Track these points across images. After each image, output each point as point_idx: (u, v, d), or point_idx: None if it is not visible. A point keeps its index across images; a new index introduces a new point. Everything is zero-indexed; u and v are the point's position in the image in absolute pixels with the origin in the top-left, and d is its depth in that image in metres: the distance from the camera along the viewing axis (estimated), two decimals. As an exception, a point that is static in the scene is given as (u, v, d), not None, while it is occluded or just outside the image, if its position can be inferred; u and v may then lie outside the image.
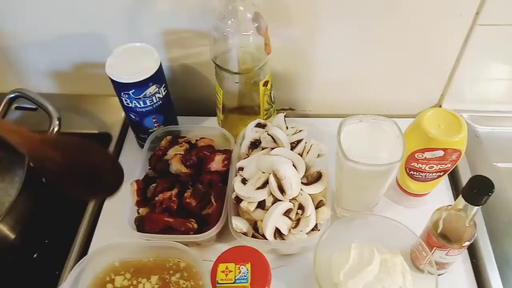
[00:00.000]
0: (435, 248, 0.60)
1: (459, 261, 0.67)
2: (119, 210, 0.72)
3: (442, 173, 0.67)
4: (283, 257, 0.69)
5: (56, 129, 0.73)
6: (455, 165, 0.65)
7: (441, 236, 0.59)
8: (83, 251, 0.71)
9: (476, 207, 0.53)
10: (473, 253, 0.69)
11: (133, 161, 0.78)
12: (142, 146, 0.80)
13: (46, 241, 0.74)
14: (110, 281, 0.64)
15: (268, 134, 0.68)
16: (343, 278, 0.62)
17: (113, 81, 0.69)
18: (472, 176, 0.52)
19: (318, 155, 0.69)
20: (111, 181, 0.59)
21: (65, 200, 0.75)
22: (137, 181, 0.71)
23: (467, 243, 0.58)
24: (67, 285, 0.59)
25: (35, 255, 0.74)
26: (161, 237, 0.65)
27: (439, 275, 0.62)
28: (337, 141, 0.61)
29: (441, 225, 0.59)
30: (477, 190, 0.51)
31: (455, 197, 0.76)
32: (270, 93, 0.77)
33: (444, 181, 0.77)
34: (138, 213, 0.69)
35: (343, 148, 0.59)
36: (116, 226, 0.71)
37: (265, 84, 0.73)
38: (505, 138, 0.85)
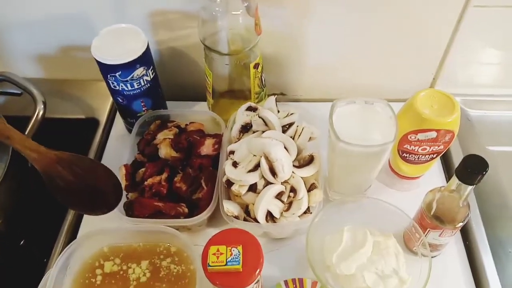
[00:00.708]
0: (428, 229, 0.60)
1: (452, 243, 0.67)
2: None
3: (434, 155, 0.66)
4: (275, 241, 0.68)
5: (41, 113, 0.71)
6: (447, 147, 0.65)
7: (434, 217, 0.58)
8: (71, 238, 0.69)
9: (470, 187, 0.53)
10: (466, 235, 0.68)
11: (121, 146, 0.76)
12: (130, 131, 0.78)
13: (33, 228, 0.72)
14: (99, 267, 0.62)
15: (259, 117, 0.67)
16: (335, 260, 0.61)
17: (99, 63, 0.67)
18: (466, 155, 0.52)
19: (310, 138, 0.68)
20: (111, 201, 0.63)
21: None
22: (125, 166, 0.69)
23: (461, 224, 0.58)
24: (55, 271, 0.58)
25: (21, 242, 0.72)
26: (151, 221, 0.63)
27: (432, 257, 0.61)
28: (329, 122, 0.60)
29: (434, 206, 0.58)
30: (471, 169, 0.50)
31: (448, 180, 0.75)
32: (261, 76, 0.75)
33: (437, 164, 0.76)
34: (127, 198, 0.68)
35: (335, 129, 0.58)
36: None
37: (256, 66, 0.72)
38: (497, 121, 0.85)
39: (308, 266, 0.65)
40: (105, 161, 0.78)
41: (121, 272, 0.62)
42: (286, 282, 0.62)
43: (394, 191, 0.74)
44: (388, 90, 0.85)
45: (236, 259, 0.51)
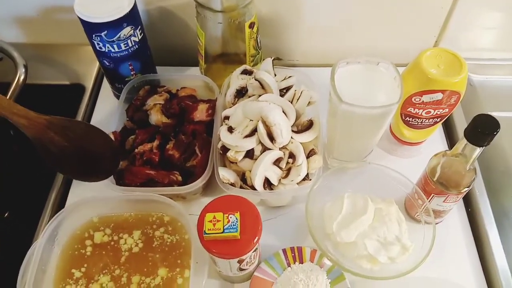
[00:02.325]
0: (432, 195, 0.57)
1: (454, 210, 0.65)
2: (96, 164, 0.68)
3: (438, 119, 0.63)
4: (272, 209, 0.66)
5: (22, 77, 0.67)
6: (452, 111, 0.62)
7: (439, 182, 0.56)
8: (58, 208, 0.65)
9: (479, 149, 0.50)
10: (468, 202, 0.67)
11: (109, 113, 0.73)
12: (118, 98, 0.74)
13: (18, 199, 0.69)
14: (88, 237, 0.60)
15: (256, 79, 0.63)
16: (336, 228, 0.59)
17: (83, 22, 0.63)
18: (476, 115, 0.49)
19: (309, 102, 0.65)
20: (108, 166, 0.60)
21: (37, 154, 0.70)
22: (114, 133, 0.66)
23: (466, 189, 0.56)
24: (42, 241, 0.55)
25: (6, 214, 0.68)
26: (143, 190, 0.60)
27: (428, 223, 0.59)
28: (330, 83, 0.56)
29: (439, 171, 0.56)
30: (481, 129, 0.48)
31: (450, 146, 0.73)
32: (257, 37, 0.71)
33: (438, 130, 0.74)
34: (117, 166, 0.64)
35: (337, 90, 0.55)
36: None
37: (251, 25, 0.67)
38: (500, 86, 0.82)
39: (306, 235, 0.63)
40: (93, 129, 0.74)
41: (112, 243, 0.59)
42: (284, 251, 0.60)
43: (394, 157, 0.72)
44: (388, 54, 0.80)
45: (234, 226, 0.48)
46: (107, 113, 0.74)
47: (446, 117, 0.63)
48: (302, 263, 0.59)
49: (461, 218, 0.65)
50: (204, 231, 0.48)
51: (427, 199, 0.58)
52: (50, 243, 0.57)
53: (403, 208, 0.63)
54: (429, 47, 0.82)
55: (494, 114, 0.78)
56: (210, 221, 0.49)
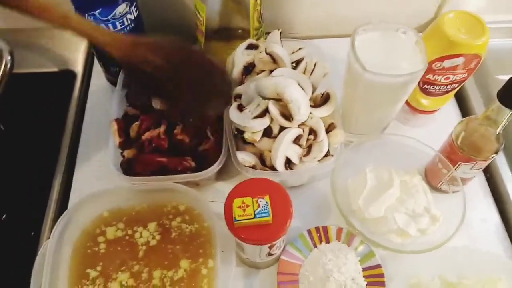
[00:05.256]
0: (459, 163, 0.56)
1: (474, 177, 0.64)
2: (97, 155, 0.64)
3: (456, 85, 0.61)
4: (289, 190, 0.62)
5: (8, 65, 0.61)
6: (471, 75, 0.60)
7: (466, 149, 0.54)
8: (61, 207, 0.61)
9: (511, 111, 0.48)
10: (487, 167, 0.65)
11: (105, 100, 0.68)
12: (112, 82, 0.69)
13: (15, 200, 0.63)
14: (100, 234, 0.55)
15: (267, 53, 0.59)
16: (362, 204, 0.57)
17: (73, 1, 0.57)
18: (511, 76, 0.47)
19: (324, 74, 0.61)
20: (222, 87, 0.51)
21: (32, 149, 0.65)
22: (117, 120, 0.61)
23: (493, 156, 0.54)
24: (53, 242, 0.50)
25: (3, 217, 0.63)
26: (156, 179, 0.56)
27: (454, 192, 0.58)
28: (351, 52, 0.53)
29: (466, 137, 0.54)
30: (519, 90, 0.46)
31: (463, 113, 0.72)
32: (260, 9, 0.67)
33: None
34: (123, 156, 0.60)
35: (360, 59, 0.52)
36: (97, 174, 0.62)
37: (256, -4, 0.63)
38: (503, 49, 0.81)
39: (328, 214, 0.62)
40: (89, 117, 0.69)
41: (127, 237, 0.55)
42: (309, 232, 0.58)
43: (408, 128, 0.70)
44: (390, 21, 0.79)
45: (265, 211, 0.45)
46: (103, 100, 0.69)
47: (464, 82, 0.61)
48: (328, 242, 0.57)
49: (481, 184, 0.65)
50: (234, 217, 0.45)
51: (454, 167, 0.56)
52: (58, 245, 0.52)
53: (424, 179, 0.62)
54: (432, 12, 0.80)
55: (500, 77, 0.78)
56: (239, 207, 0.45)
